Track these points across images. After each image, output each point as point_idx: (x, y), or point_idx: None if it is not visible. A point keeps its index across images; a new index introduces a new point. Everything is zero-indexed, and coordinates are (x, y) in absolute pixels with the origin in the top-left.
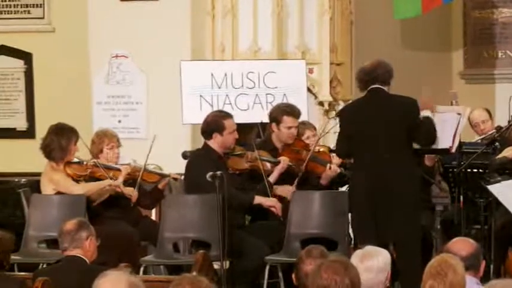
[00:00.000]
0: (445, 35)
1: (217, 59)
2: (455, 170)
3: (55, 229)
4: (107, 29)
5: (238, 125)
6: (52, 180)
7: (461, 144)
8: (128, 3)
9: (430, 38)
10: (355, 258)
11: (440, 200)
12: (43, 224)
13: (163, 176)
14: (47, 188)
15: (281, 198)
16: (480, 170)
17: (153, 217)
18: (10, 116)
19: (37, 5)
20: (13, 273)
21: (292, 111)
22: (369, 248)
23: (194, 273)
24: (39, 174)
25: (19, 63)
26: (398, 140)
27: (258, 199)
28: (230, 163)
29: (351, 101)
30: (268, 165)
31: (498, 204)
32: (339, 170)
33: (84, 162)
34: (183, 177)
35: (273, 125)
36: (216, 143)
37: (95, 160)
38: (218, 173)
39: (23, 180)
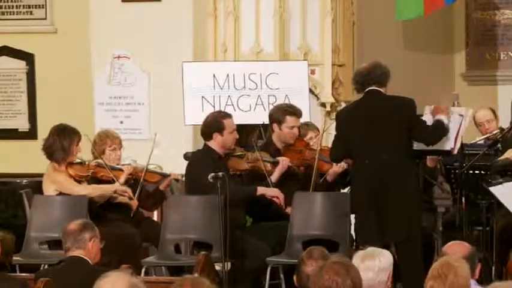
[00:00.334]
0: (447, 36)
1: (220, 60)
2: (457, 171)
3: (57, 230)
4: (109, 30)
5: (240, 126)
6: (54, 181)
7: (463, 145)
8: (130, 4)
9: (432, 40)
10: (357, 259)
11: (442, 201)
12: (45, 225)
13: (164, 175)
14: (49, 189)
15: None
16: (482, 172)
17: (155, 218)
18: (12, 116)
19: (39, 6)
20: (15, 274)
21: (294, 110)
22: (371, 249)
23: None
24: (41, 175)
25: (21, 64)
26: (396, 140)
27: (261, 190)
28: (231, 164)
29: (344, 105)
30: (269, 165)
31: (500, 205)
32: (346, 166)
33: (86, 163)
34: (183, 178)
35: (275, 125)
36: (216, 143)
37: (99, 160)
38: (220, 174)
39: (25, 181)
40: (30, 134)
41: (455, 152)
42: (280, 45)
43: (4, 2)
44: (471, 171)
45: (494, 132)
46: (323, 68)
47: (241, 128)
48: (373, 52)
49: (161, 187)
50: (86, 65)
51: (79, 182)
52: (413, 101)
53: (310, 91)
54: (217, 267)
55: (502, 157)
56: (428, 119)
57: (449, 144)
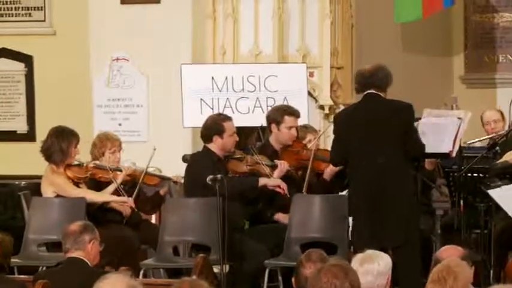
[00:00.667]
0: (445, 39)
1: (218, 63)
2: (455, 174)
3: (55, 232)
4: (107, 32)
5: (239, 128)
6: (53, 184)
7: (461, 148)
8: (129, 6)
9: (431, 42)
10: (356, 262)
11: (441, 204)
12: (43, 227)
13: (163, 178)
14: (47, 191)
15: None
16: (480, 175)
17: (153, 220)
18: (11, 118)
19: (38, 8)
20: (13, 276)
21: (292, 111)
22: (370, 252)
23: (194, 277)
24: (39, 177)
25: (20, 66)
26: (393, 144)
27: (262, 181)
28: (230, 166)
29: (343, 107)
30: (268, 169)
31: (498, 208)
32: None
33: (84, 165)
34: (183, 180)
35: (273, 126)
36: (216, 145)
37: (96, 161)
38: (218, 176)
39: (23, 183)
40: (29, 136)
41: (454, 154)
42: (279, 47)
43: (3, 4)
44: (469, 174)
45: (500, 133)
46: (322, 71)
47: (240, 130)
48: (371, 55)
49: (161, 192)
50: (84, 67)
51: (77, 184)
52: (411, 106)
53: (309, 93)
54: (216, 269)
55: (502, 159)
56: (426, 121)
57: (448, 146)
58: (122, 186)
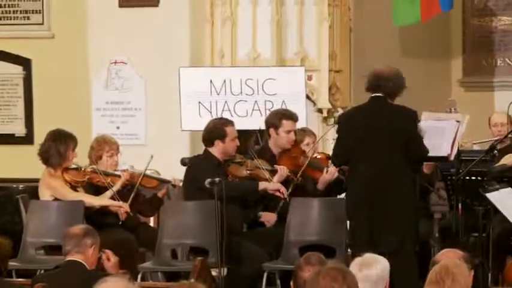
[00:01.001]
0: (444, 42)
1: (217, 66)
2: (453, 177)
3: (53, 235)
4: (106, 35)
5: (238, 132)
6: (49, 187)
7: (459, 151)
8: (127, 9)
9: (429, 46)
10: (354, 267)
11: (439, 207)
12: (41, 230)
13: (162, 181)
14: (45, 194)
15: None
16: (479, 178)
17: (152, 223)
18: (9, 121)
19: (36, 11)
20: (11, 280)
21: (290, 115)
22: (368, 256)
23: (192, 280)
24: (37, 180)
25: (18, 69)
26: (395, 149)
27: (262, 185)
28: (230, 170)
29: (348, 108)
30: (268, 173)
31: (496, 212)
32: (336, 174)
33: (82, 168)
34: (181, 183)
35: (271, 130)
36: (217, 149)
37: (94, 166)
38: (217, 179)
39: (21, 186)
40: (27, 139)
41: (452, 158)
42: (277, 50)
43: (1, 7)
44: (468, 177)
45: (497, 138)
46: (320, 74)
47: (238, 134)
48: (370, 58)
49: (159, 194)
50: (82, 70)
51: (75, 187)
52: (416, 113)
53: (307, 97)
54: (214, 272)
55: (500, 163)
56: (425, 124)
57: (446, 150)
58: (120, 188)
